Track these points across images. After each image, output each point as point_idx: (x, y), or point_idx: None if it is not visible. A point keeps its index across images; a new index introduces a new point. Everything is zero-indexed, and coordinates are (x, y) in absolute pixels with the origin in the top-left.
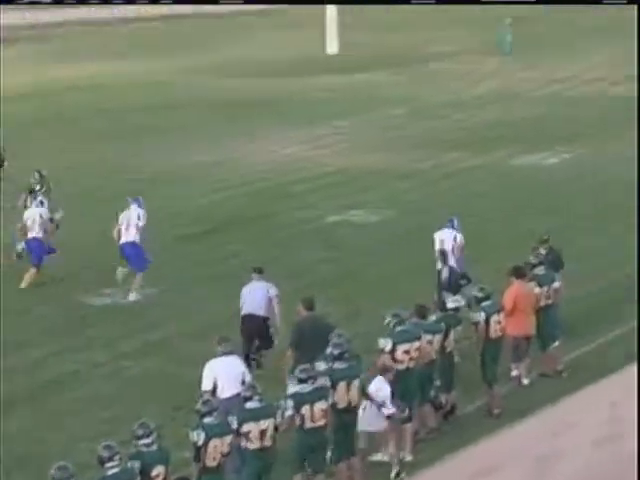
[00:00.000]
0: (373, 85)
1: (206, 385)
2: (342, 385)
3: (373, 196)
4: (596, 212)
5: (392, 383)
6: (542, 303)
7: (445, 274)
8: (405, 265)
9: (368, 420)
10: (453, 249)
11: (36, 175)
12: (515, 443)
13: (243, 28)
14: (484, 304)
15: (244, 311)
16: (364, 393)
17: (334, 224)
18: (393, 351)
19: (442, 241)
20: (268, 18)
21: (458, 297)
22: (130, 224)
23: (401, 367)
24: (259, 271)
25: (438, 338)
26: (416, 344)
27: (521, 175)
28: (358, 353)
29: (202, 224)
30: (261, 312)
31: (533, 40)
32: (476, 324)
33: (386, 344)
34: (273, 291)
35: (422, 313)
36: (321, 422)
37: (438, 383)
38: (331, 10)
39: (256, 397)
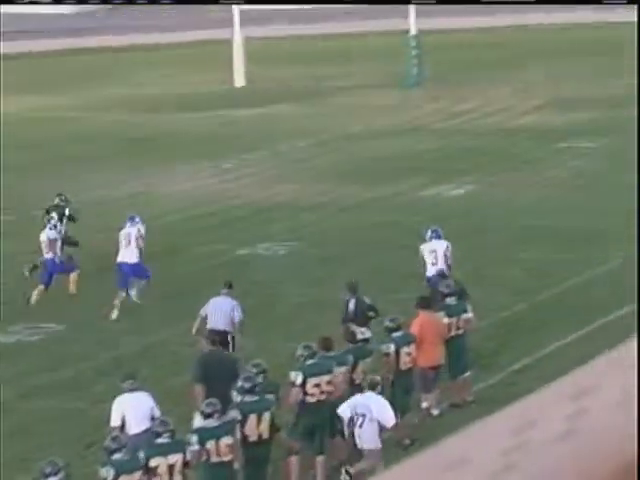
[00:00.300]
0: (279, 118)
1: (114, 421)
2: (253, 418)
3: (280, 229)
4: (501, 242)
5: (302, 416)
6: (452, 333)
7: (351, 306)
8: (313, 297)
9: (364, 438)
10: (446, 258)
11: (56, 200)
12: (417, 476)
13: (151, 62)
14: (395, 335)
15: (210, 325)
16: (273, 426)
17: (243, 257)
18: (304, 384)
19: (434, 252)
20: (176, 52)
21: (364, 329)
22: (128, 242)
23: (312, 400)
24: (229, 286)
25: (344, 370)
26: (326, 377)
27: (426, 206)
28: (278, 383)
29: (107, 260)
30: (225, 327)
31: (441, 71)
32: (386, 355)
33: (297, 377)
34: (237, 314)
35: (326, 346)
36: (228, 457)
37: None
38: (238, 43)
39: (167, 433)
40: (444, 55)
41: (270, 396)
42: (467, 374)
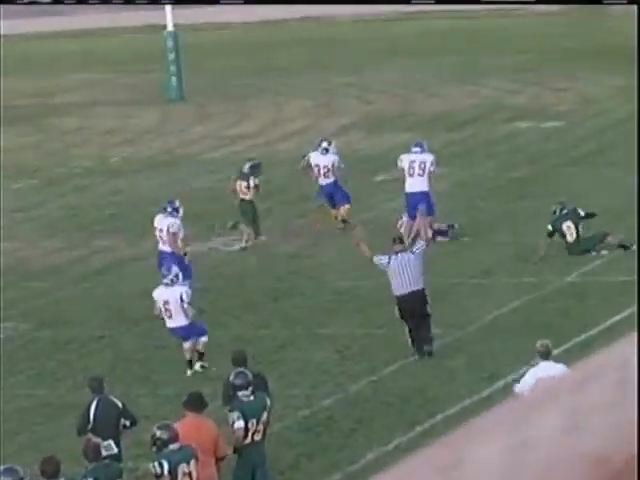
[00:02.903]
0: None
1: None
2: None
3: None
4: (304, 313)
5: None
6: (248, 440)
7: (92, 410)
8: (41, 399)
9: None
10: (430, 173)
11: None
12: None
13: None
14: (170, 448)
15: (404, 290)
16: None
17: None
18: None
19: (430, 163)
20: None
21: (109, 442)
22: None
23: None
24: (400, 241)
25: None
26: None
27: (203, 263)
28: None
29: None
30: (419, 285)
31: (213, 80)
32: (157, 477)
33: None
34: (419, 250)
35: (51, 470)
36: None
37: None
38: None
39: None
40: (215, 58)
41: None
42: None
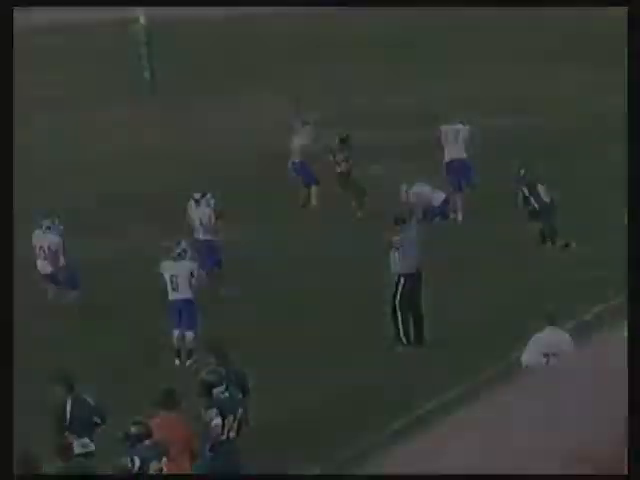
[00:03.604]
0: None
1: None
2: None
3: None
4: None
5: None
6: (224, 437)
7: (68, 409)
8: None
9: None
10: (466, 142)
11: None
12: None
13: None
14: (141, 445)
15: (411, 268)
16: None
17: None
18: None
19: (464, 132)
20: None
21: (85, 440)
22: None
23: None
24: (403, 221)
25: None
26: None
27: None
28: None
29: None
30: (419, 264)
31: (185, 75)
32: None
33: None
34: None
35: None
36: None
37: None
38: None
39: None
40: (188, 52)
41: None
42: None
